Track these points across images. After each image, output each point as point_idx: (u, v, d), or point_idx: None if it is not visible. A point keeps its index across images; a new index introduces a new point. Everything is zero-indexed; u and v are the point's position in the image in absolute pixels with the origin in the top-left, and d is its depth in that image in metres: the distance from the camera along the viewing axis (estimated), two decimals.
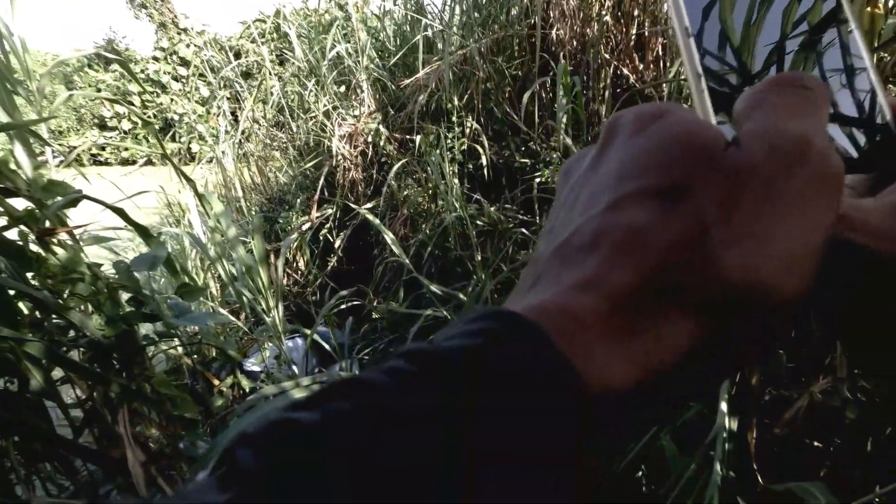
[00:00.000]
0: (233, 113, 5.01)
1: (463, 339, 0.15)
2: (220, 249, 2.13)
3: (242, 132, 4.11)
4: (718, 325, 0.16)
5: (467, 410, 0.14)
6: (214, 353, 1.83)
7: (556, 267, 0.18)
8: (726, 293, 0.16)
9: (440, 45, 3.08)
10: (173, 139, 7.47)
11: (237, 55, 6.08)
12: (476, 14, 3.19)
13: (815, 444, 0.97)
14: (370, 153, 3.09)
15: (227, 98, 4.89)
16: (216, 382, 1.64)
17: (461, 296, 2.21)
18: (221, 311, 2.17)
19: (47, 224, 1.07)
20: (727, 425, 0.81)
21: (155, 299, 1.22)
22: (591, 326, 0.16)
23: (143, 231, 1.25)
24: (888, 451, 0.94)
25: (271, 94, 3.84)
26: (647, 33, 2.60)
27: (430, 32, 3.25)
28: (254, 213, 3.76)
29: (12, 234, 1.03)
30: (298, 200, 3.34)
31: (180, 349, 1.70)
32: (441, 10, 3.48)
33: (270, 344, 2.07)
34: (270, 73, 3.79)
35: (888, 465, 0.91)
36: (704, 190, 0.17)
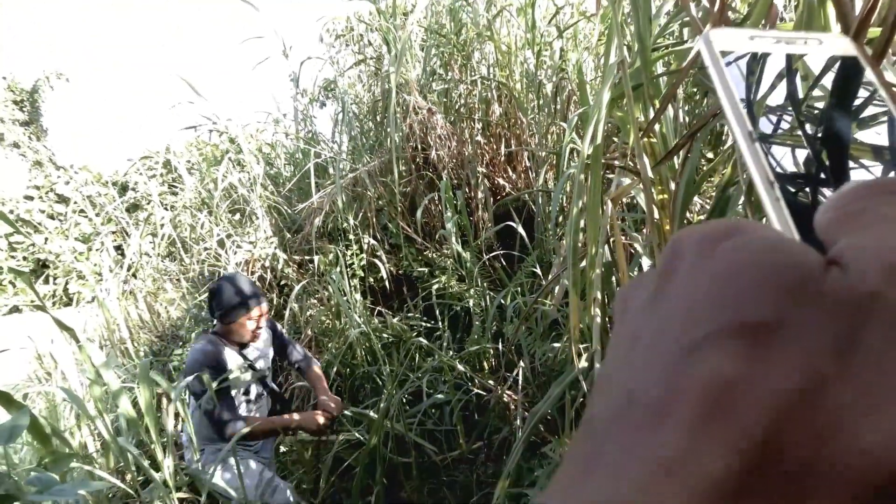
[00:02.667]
0: (118, 248, 4.76)
1: None
2: (101, 403, 1.93)
3: (128, 267, 3.89)
4: None
5: None
6: None
7: (622, 438, 0.13)
8: (871, 482, 0.11)
9: (331, 171, 3.27)
10: (46, 281, 6.83)
11: (123, 190, 5.91)
12: (363, 140, 3.47)
13: None
14: (269, 277, 3.06)
15: (112, 233, 4.67)
16: None
17: (372, 413, 2.15)
18: (102, 474, 1.90)
19: None
20: None
21: (11, 476, 1.07)
22: None
23: (3, 397, 1.13)
24: None
25: (161, 226, 3.75)
26: (514, 149, 2.98)
27: (321, 159, 3.45)
28: (142, 353, 3.46)
29: None
30: (193, 335, 3.15)
31: None
32: (331, 138, 3.74)
33: None
34: (159, 205, 3.72)
35: None
36: (808, 328, 0.12)
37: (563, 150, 1.38)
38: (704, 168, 1.36)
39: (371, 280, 2.91)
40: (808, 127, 0.21)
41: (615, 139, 1.64)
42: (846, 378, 0.11)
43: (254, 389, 1.85)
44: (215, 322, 1.80)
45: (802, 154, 0.20)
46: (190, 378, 1.64)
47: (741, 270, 0.14)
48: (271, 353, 1.96)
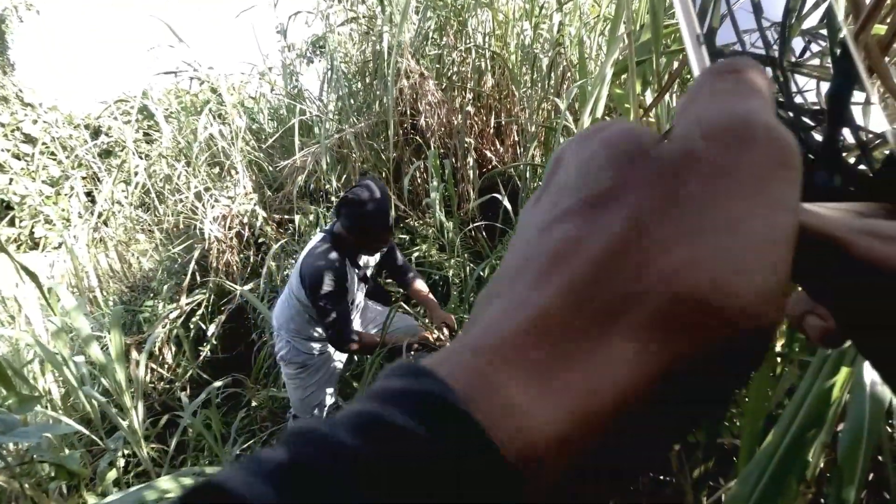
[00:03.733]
0: (88, 194, 4.59)
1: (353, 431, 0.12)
2: (66, 349, 1.89)
3: (99, 215, 3.77)
4: (670, 353, 0.13)
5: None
6: (54, 472, 1.57)
7: (500, 291, 0.16)
8: (676, 305, 0.13)
9: (317, 130, 3.19)
10: (11, 223, 6.56)
11: (95, 134, 5.66)
12: (351, 101, 3.38)
13: (665, 478, 1.09)
14: (246, 234, 3.00)
15: (83, 178, 4.49)
16: None
17: (346, 375, 2.17)
18: (66, 419, 1.88)
19: None
20: None
21: None
22: (518, 375, 0.13)
23: None
24: None
25: (135, 174, 3.62)
26: (504, 122, 2.95)
27: (307, 116, 3.36)
28: (111, 303, 3.39)
29: None
30: (166, 287, 3.09)
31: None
32: (318, 97, 3.63)
33: None
34: (134, 153, 3.59)
35: None
36: (638, 190, 0.15)
37: (559, 125, 1.37)
38: None
39: None
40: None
41: (608, 117, 1.63)
42: (665, 222, 0.14)
43: (358, 297, 1.78)
44: (337, 227, 1.61)
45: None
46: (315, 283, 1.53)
47: (596, 154, 0.16)
48: (373, 261, 1.85)
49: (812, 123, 0.22)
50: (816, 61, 0.22)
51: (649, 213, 0.14)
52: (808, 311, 0.21)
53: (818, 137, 0.22)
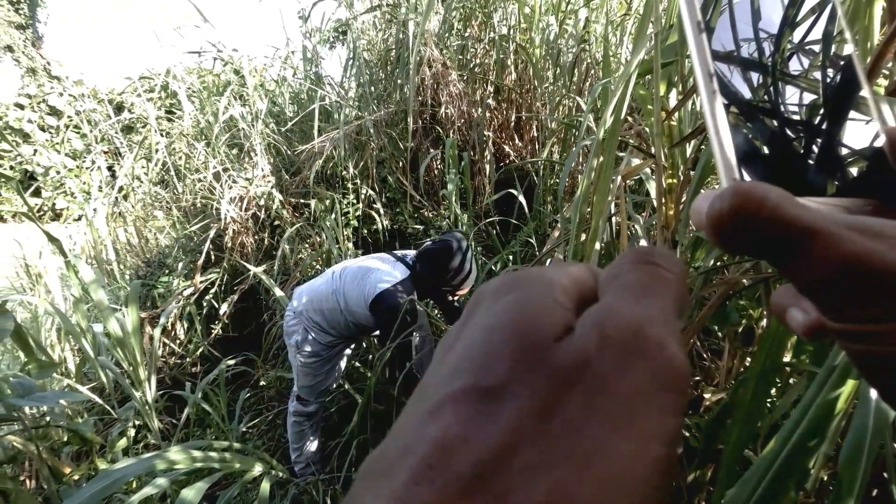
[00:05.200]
0: (110, 168, 4.67)
1: None
2: (84, 320, 1.93)
3: (120, 189, 3.83)
4: None
5: None
6: (67, 438, 1.62)
7: (377, 475, 0.15)
8: None
9: (336, 116, 3.20)
10: (35, 194, 6.69)
11: (119, 109, 5.74)
12: (372, 89, 3.39)
13: None
14: (262, 217, 3.04)
15: (105, 152, 4.56)
16: (67, 470, 1.44)
17: (356, 363, 2.19)
18: (81, 388, 1.93)
19: None
20: None
21: None
22: None
23: None
24: None
25: (156, 150, 3.67)
26: (524, 117, 2.94)
27: (326, 102, 3.37)
28: (127, 277, 3.46)
29: None
30: (181, 264, 3.14)
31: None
32: (339, 83, 3.64)
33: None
34: (155, 130, 3.64)
35: None
36: (525, 392, 0.14)
37: (582, 122, 1.37)
38: None
39: (365, 231, 2.91)
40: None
41: (629, 118, 1.62)
42: (536, 441, 0.13)
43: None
44: (420, 268, 1.78)
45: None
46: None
47: (493, 332, 0.16)
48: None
49: (796, 132, 0.22)
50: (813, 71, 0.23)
51: (530, 426, 0.14)
52: (792, 305, 0.21)
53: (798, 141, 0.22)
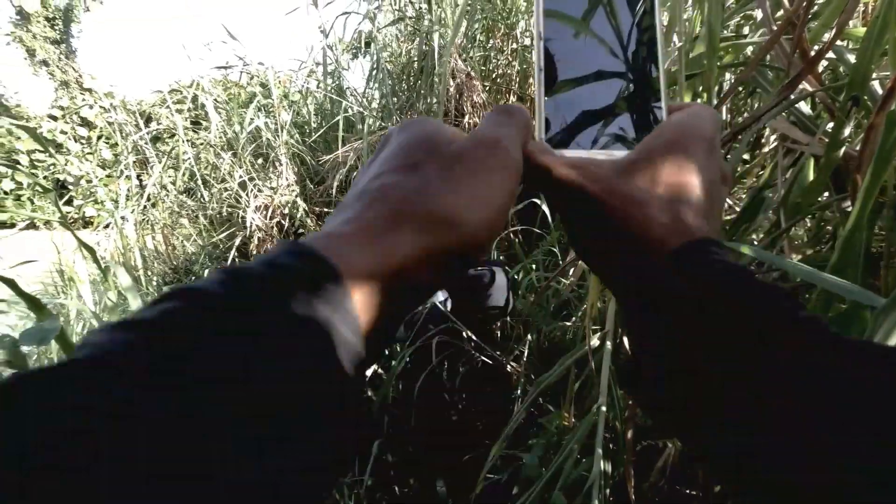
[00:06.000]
0: (138, 177, 4.79)
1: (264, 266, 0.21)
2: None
3: (148, 198, 3.93)
4: (434, 241, 0.24)
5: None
6: None
7: (339, 210, 0.27)
8: (439, 218, 0.25)
9: (360, 126, 3.24)
10: (68, 203, 6.90)
11: (148, 120, 5.90)
12: (394, 99, 3.43)
13: (692, 491, 1.07)
14: (286, 225, 3.08)
15: (134, 163, 4.69)
16: None
17: (378, 369, 2.20)
18: None
19: None
20: (602, 468, 0.89)
21: None
22: (349, 240, 0.23)
23: (33, 302, 1.16)
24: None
25: (184, 160, 3.76)
26: None
27: (350, 113, 3.42)
28: (154, 283, 3.53)
29: None
30: (207, 271, 3.20)
31: None
32: (362, 94, 3.70)
33: None
34: (183, 140, 3.73)
35: None
36: (433, 164, 0.27)
37: None
38: (739, 170, 1.34)
39: None
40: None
41: None
42: (442, 181, 0.27)
43: None
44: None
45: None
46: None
47: (409, 140, 0.29)
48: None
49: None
50: None
51: (437, 175, 0.26)
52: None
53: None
